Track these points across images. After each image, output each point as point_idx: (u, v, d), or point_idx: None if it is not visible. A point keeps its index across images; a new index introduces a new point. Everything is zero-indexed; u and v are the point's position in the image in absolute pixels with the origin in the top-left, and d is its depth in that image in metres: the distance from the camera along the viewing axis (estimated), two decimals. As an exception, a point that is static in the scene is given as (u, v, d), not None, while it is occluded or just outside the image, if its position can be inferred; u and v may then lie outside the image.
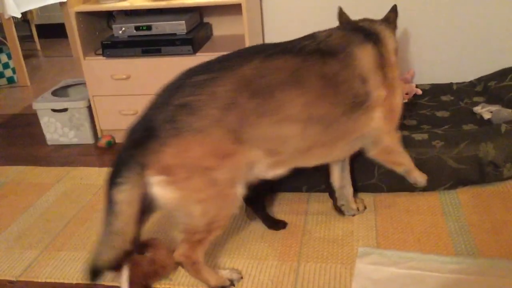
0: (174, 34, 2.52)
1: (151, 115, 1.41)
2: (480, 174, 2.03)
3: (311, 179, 2.08)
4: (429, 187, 2.02)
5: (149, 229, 1.90)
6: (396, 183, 2.02)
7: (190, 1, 2.45)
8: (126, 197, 1.37)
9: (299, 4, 2.76)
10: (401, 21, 1.98)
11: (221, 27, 2.87)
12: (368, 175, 2.03)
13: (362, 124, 1.60)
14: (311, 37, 1.61)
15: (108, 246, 1.41)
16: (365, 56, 1.57)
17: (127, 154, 1.38)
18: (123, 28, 2.52)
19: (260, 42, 2.77)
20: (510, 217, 1.86)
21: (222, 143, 1.39)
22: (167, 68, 2.53)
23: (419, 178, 1.90)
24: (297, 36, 2.80)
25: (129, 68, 2.56)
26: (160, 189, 1.38)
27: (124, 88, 2.61)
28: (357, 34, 1.63)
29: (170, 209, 1.44)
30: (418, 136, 2.08)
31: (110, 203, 1.38)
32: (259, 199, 1.90)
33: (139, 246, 1.59)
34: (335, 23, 2.75)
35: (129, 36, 2.55)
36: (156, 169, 1.37)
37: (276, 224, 1.90)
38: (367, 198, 2.03)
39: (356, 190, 2.01)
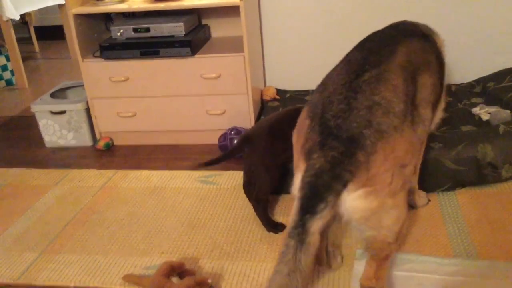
0: (172, 36, 2.52)
1: (338, 123, 1.24)
2: (479, 175, 2.03)
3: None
4: (428, 189, 2.02)
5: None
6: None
7: (188, 3, 2.45)
8: (323, 224, 1.19)
9: (297, 5, 2.76)
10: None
11: (219, 29, 2.88)
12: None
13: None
14: (408, 24, 1.68)
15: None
16: (440, 41, 1.73)
17: (329, 175, 1.19)
18: (121, 30, 2.52)
19: (258, 44, 2.77)
20: (508, 219, 1.85)
21: (412, 136, 1.31)
22: (166, 70, 2.53)
23: (419, 201, 1.93)
24: (297, 37, 2.84)
25: (128, 70, 2.56)
26: (360, 202, 1.21)
27: (122, 90, 2.61)
28: None
29: (361, 223, 1.25)
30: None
31: (304, 235, 1.18)
32: (262, 201, 1.91)
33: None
34: (333, 23, 2.77)
35: (127, 38, 2.55)
36: (362, 181, 1.19)
37: (276, 227, 1.90)
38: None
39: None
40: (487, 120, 2.33)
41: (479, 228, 1.82)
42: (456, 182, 2.04)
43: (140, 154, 2.65)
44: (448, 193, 2.04)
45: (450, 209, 1.95)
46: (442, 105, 1.73)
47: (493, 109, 2.36)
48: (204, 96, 2.57)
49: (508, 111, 2.31)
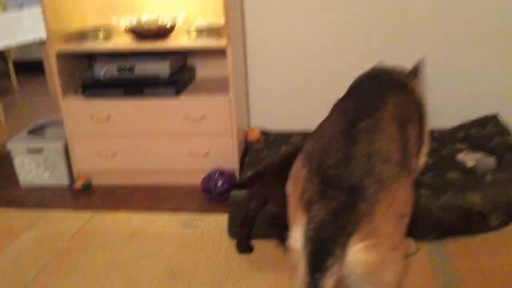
0: (157, 76, 2.48)
1: (338, 173, 1.20)
2: (466, 224, 2.00)
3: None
4: (415, 237, 1.99)
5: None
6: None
7: (174, 44, 2.42)
8: (335, 282, 1.13)
9: (283, 47, 2.77)
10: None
11: (204, 69, 2.86)
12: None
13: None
14: (384, 73, 1.67)
15: None
16: (418, 86, 1.71)
17: (332, 227, 1.14)
18: (105, 69, 2.48)
19: (243, 84, 2.75)
20: (500, 269, 1.82)
21: (409, 185, 1.28)
22: (149, 109, 2.48)
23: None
24: (282, 78, 2.84)
25: (110, 109, 2.50)
26: (362, 256, 1.15)
27: (103, 129, 2.54)
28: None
29: (361, 278, 1.19)
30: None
31: None
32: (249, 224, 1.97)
33: None
34: (318, 66, 2.78)
35: (111, 77, 2.50)
36: (364, 234, 1.14)
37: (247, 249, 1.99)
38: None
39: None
40: (472, 167, 2.32)
41: (470, 279, 1.77)
42: (444, 230, 2.01)
43: (120, 195, 2.56)
44: (436, 242, 2.01)
45: (439, 259, 1.90)
46: (425, 150, 1.71)
47: (477, 156, 2.36)
48: (188, 136, 2.52)
49: (493, 159, 2.32)
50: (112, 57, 2.65)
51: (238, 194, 2.07)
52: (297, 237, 1.20)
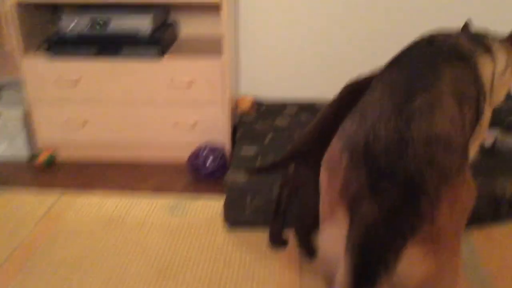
0: (137, 33, 2.10)
1: (391, 160, 0.97)
2: (495, 212, 1.78)
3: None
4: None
5: None
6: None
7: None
8: None
9: (279, 5, 2.42)
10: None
11: (189, 27, 2.48)
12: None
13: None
14: (443, 40, 1.35)
15: None
16: (485, 66, 1.39)
17: (386, 229, 0.93)
18: (75, 23, 2.07)
19: (233, 45, 2.40)
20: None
21: (472, 179, 1.06)
22: (127, 72, 2.11)
23: None
24: (277, 40, 2.50)
25: (79, 71, 2.11)
26: (418, 266, 0.96)
27: (72, 94, 2.16)
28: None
29: None
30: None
31: None
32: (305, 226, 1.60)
33: None
34: (319, 27, 2.45)
35: (81, 33, 2.10)
36: (425, 238, 0.95)
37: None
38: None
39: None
40: (491, 147, 2.09)
41: (502, 277, 1.55)
42: (472, 218, 1.77)
43: (91, 172, 2.21)
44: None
45: (467, 254, 1.67)
46: (479, 137, 1.45)
47: (494, 133, 2.13)
48: (172, 104, 2.17)
49: None
50: (83, 8, 2.24)
51: (237, 178, 1.76)
52: (335, 240, 1.01)
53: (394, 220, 0.94)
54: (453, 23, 2.41)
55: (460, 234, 1.02)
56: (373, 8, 2.40)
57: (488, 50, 1.42)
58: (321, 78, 2.55)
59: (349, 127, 1.09)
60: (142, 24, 2.09)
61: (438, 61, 1.22)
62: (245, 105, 2.41)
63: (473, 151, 1.47)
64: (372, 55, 2.48)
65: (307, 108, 2.48)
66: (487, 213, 1.77)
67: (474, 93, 1.27)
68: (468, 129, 1.20)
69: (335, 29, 2.45)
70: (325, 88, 2.56)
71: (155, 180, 2.14)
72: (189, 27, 2.47)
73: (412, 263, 0.95)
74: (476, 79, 1.32)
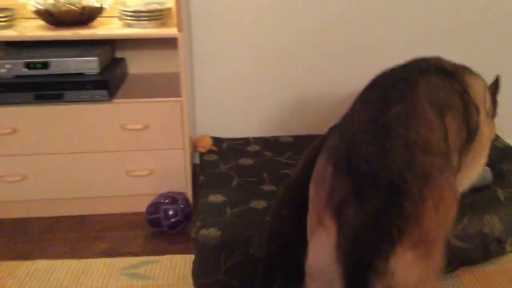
0: (82, 74, 1.87)
1: (373, 168, 1.00)
2: (484, 252, 1.68)
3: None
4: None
5: None
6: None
7: (105, 32, 1.83)
8: None
9: (233, 40, 2.28)
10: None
11: (137, 64, 2.27)
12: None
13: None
14: (422, 60, 1.39)
15: None
16: (476, 83, 1.41)
17: (373, 233, 0.94)
18: (9, 66, 1.82)
19: (190, 83, 2.22)
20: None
21: (454, 182, 1.07)
22: (71, 118, 1.87)
23: None
24: (232, 76, 2.34)
25: (16, 119, 1.85)
26: (409, 270, 0.95)
27: (7, 146, 1.88)
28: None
29: None
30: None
31: None
32: None
33: None
34: (274, 60, 2.31)
35: (16, 76, 1.85)
36: (413, 240, 0.94)
37: None
38: None
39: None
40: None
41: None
42: (461, 262, 1.66)
43: (34, 235, 1.92)
44: (451, 275, 1.66)
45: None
46: (481, 160, 1.44)
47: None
48: (125, 152, 1.95)
49: (488, 168, 2.01)
50: (18, 48, 1.98)
51: (209, 232, 1.56)
52: (325, 248, 1.00)
53: (380, 223, 0.95)
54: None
55: (445, 239, 1.02)
56: (328, 40, 2.31)
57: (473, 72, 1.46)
58: (283, 112, 2.41)
59: (331, 142, 1.12)
60: (88, 63, 1.87)
61: (415, 74, 1.26)
62: (204, 145, 2.21)
63: (473, 172, 1.44)
64: (333, 88, 2.37)
65: (272, 143, 2.33)
66: (477, 252, 1.66)
67: (459, 104, 1.28)
68: (454, 139, 1.21)
69: (292, 61, 2.33)
70: (287, 124, 2.42)
71: (109, 239, 1.88)
72: (137, 64, 2.27)
73: (407, 268, 0.95)
74: (464, 91, 1.34)
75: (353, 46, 2.33)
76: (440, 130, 1.13)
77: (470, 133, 1.33)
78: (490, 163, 2.02)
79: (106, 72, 1.93)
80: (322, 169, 1.08)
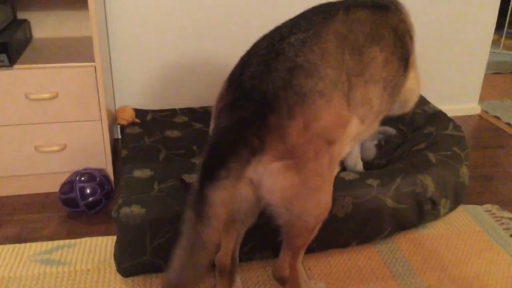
0: (-25, 36, 1.62)
1: (253, 84, 1.10)
2: (419, 214, 1.66)
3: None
4: (366, 238, 1.59)
5: None
6: (328, 239, 1.53)
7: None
8: (226, 196, 1.02)
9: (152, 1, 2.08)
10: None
11: (43, 27, 2.02)
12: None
13: (405, 84, 1.48)
14: None
15: (192, 264, 1.03)
16: (406, 12, 1.48)
17: (234, 137, 1.04)
18: None
19: (106, 51, 2.00)
20: (458, 259, 1.51)
21: (343, 108, 1.16)
22: (-35, 88, 1.61)
23: None
24: (153, 40, 2.15)
25: None
26: (278, 178, 1.07)
27: None
28: None
29: (280, 205, 1.12)
30: (348, 176, 1.61)
31: (201, 205, 1.01)
32: None
33: None
34: (184, 19, 2.14)
35: None
36: (278, 152, 1.05)
37: None
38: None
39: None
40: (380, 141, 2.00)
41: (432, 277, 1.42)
42: (397, 224, 1.62)
43: None
44: (388, 243, 1.62)
45: (397, 264, 1.52)
46: (410, 81, 1.50)
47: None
48: (32, 125, 1.72)
49: (373, 144, 1.98)
50: None
51: (132, 210, 1.39)
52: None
53: (242, 130, 1.04)
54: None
55: (321, 156, 1.10)
56: (251, 9, 2.17)
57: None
58: (211, 81, 2.26)
59: (236, 65, 1.20)
60: (-19, 24, 1.61)
61: (338, 7, 1.28)
62: (126, 116, 2.02)
63: (407, 90, 1.51)
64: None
65: (200, 114, 2.18)
66: (411, 213, 1.63)
67: (390, 37, 1.34)
68: (379, 71, 1.29)
69: (220, 24, 2.18)
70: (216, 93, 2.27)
71: (17, 223, 1.66)
72: (43, 27, 2.02)
73: (275, 176, 1.06)
74: (400, 20, 1.41)
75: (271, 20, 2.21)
76: (336, 60, 1.17)
77: (404, 63, 1.40)
78: (420, 127, 2.02)
79: (4, 35, 1.68)
80: (222, 86, 1.19)
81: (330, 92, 1.12)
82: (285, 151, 1.06)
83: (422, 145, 1.85)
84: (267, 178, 1.07)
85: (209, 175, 1.01)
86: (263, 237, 1.47)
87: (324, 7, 1.30)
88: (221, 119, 1.11)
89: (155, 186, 1.60)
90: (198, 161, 1.10)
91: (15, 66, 1.65)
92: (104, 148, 1.80)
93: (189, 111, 2.21)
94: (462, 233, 1.68)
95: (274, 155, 1.05)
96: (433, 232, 1.68)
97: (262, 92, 1.08)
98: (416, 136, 1.95)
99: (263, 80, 1.09)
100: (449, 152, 1.76)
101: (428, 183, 1.63)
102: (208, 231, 1.01)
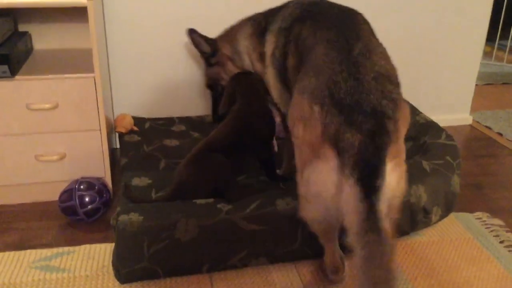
0: (-23, 47, 1.66)
1: (355, 100, 1.18)
2: (412, 223, 1.69)
3: (213, 254, 1.48)
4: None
5: None
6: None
7: (4, 0, 1.62)
8: (386, 202, 1.13)
9: (149, 11, 2.13)
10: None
11: (43, 39, 2.06)
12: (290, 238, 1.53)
13: None
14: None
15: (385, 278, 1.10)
16: None
17: (373, 146, 1.13)
18: None
19: (104, 60, 2.04)
20: (448, 267, 1.54)
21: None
22: (-33, 98, 1.65)
23: None
24: (151, 49, 2.19)
25: None
26: (393, 174, 1.17)
27: None
28: None
29: (399, 195, 1.22)
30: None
31: (376, 223, 1.08)
32: None
33: None
34: (181, 30, 2.19)
35: None
36: (392, 153, 1.16)
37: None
38: (289, 268, 1.52)
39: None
40: None
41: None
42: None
43: None
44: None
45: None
46: None
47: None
48: (32, 135, 1.76)
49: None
50: None
51: (131, 219, 1.43)
52: (326, 173, 1.17)
53: (375, 140, 1.13)
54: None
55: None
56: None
57: None
58: (202, 92, 2.31)
59: (307, 84, 1.26)
60: (-17, 36, 1.65)
61: (351, 14, 1.48)
62: (125, 125, 2.06)
63: None
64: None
65: (197, 123, 2.22)
66: (404, 223, 1.67)
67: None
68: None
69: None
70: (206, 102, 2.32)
71: (17, 230, 1.69)
72: (43, 38, 2.06)
73: (390, 175, 1.14)
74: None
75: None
76: (389, 58, 1.34)
77: None
78: (413, 137, 2.06)
79: (6, 46, 1.72)
80: (308, 110, 1.21)
81: (401, 91, 1.28)
82: (396, 151, 1.18)
83: (417, 156, 1.89)
84: (388, 175, 1.14)
85: (373, 189, 1.10)
86: (258, 244, 1.51)
87: (336, 15, 1.47)
88: (349, 139, 1.14)
89: (153, 194, 1.64)
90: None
91: (17, 77, 1.69)
92: (103, 157, 1.84)
93: (186, 120, 2.25)
94: (453, 240, 1.72)
95: (391, 155, 1.16)
96: (424, 239, 1.71)
97: (368, 104, 1.17)
98: (411, 147, 1.99)
99: (362, 93, 1.19)
100: (442, 161, 1.80)
101: (421, 193, 1.67)
102: (387, 250, 1.09)
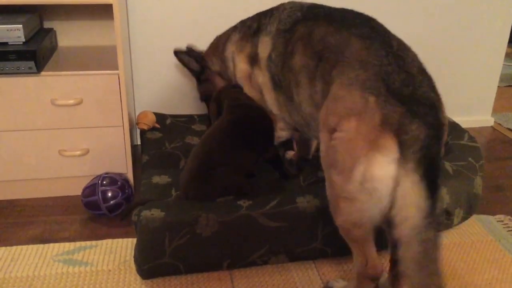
0: (6, 44, 1.69)
1: (412, 91, 1.19)
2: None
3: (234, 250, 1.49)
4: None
5: None
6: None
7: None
8: None
9: (172, 9, 2.15)
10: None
11: (67, 36, 2.09)
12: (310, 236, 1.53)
13: None
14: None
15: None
16: None
17: (436, 142, 1.15)
18: None
19: (127, 57, 2.07)
20: (468, 271, 1.52)
21: None
22: (-6, 93, 1.69)
23: None
24: (171, 47, 2.20)
25: None
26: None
27: None
28: None
29: None
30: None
31: (437, 219, 1.12)
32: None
33: None
34: (203, 28, 2.20)
35: None
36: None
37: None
38: (309, 266, 1.51)
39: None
40: None
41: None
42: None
43: (-47, 221, 1.73)
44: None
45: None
46: None
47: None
48: (56, 130, 1.78)
49: None
50: None
51: (152, 215, 1.44)
52: (386, 165, 1.13)
53: (438, 133, 1.16)
54: None
55: None
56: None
57: None
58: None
59: (354, 76, 1.24)
60: (11, 32, 1.68)
61: (363, 14, 1.46)
62: (147, 122, 2.07)
63: None
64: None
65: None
66: (425, 225, 1.66)
67: None
68: None
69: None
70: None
71: (41, 224, 1.72)
72: (67, 35, 2.09)
73: None
74: None
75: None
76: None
77: None
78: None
79: (33, 42, 1.75)
80: (359, 102, 1.18)
81: None
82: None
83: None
84: None
85: (435, 186, 1.11)
86: (278, 241, 1.51)
87: (347, 11, 1.49)
88: (414, 131, 1.13)
89: (173, 192, 1.65)
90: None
91: (42, 73, 1.71)
92: (125, 153, 1.86)
93: (207, 118, 2.26)
94: (475, 242, 1.70)
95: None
96: (446, 241, 1.70)
97: (426, 96, 1.19)
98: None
99: (416, 85, 1.20)
100: (464, 162, 1.79)
101: (444, 195, 1.66)
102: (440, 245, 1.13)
